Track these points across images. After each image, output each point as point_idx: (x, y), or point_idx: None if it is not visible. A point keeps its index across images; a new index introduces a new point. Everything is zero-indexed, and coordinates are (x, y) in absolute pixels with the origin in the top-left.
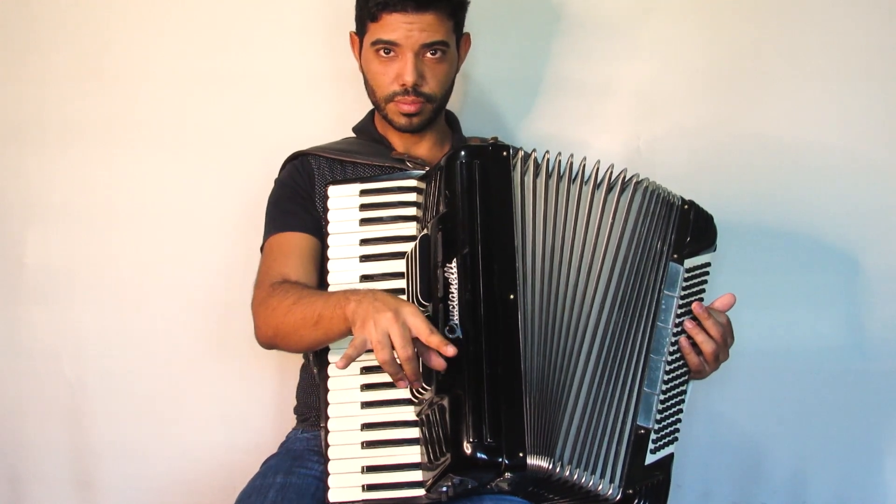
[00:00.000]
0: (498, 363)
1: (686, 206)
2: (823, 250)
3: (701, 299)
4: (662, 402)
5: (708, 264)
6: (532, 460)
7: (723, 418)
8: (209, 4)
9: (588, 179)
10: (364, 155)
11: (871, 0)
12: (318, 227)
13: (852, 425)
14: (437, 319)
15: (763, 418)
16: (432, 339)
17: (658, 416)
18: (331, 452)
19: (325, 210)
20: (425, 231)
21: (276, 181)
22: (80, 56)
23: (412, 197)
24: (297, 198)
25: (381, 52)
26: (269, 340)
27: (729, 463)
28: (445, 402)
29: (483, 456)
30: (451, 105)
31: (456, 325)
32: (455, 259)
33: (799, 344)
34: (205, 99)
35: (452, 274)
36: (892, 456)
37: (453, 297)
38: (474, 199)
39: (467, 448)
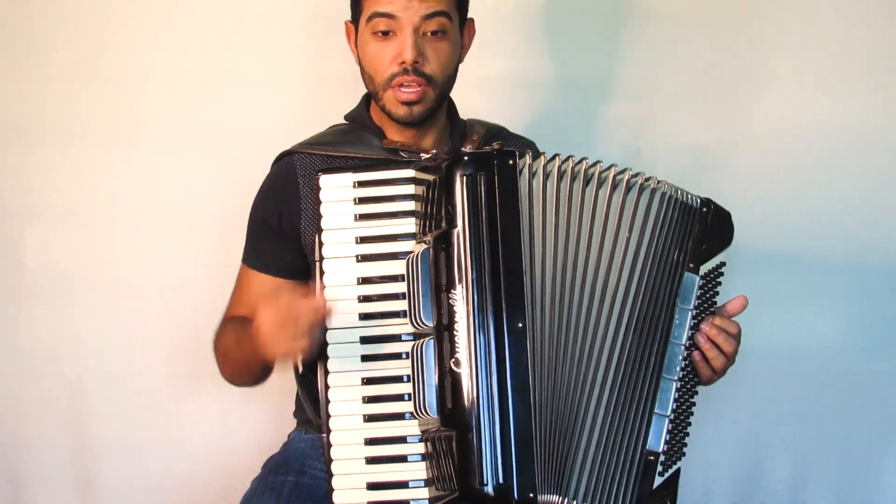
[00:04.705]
0: (507, 398)
1: (705, 209)
2: (823, 250)
3: (714, 302)
4: (672, 421)
5: (723, 264)
6: (543, 497)
7: (723, 418)
8: (209, 5)
9: (604, 181)
10: (354, 145)
11: (871, 0)
12: (287, 263)
13: (852, 425)
14: (442, 347)
15: (763, 418)
16: (305, 312)
17: (667, 437)
18: (334, 467)
19: (318, 203)
20: (426, 241)
21: (258, 192)
22: (80, 56)
23: (410, 189)
24: (267, 228)
25: (379, 33)
26: (243, 383)
27: (729, 463)
28: (453, 436)
29: (493, 495)
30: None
31: (462, 358)
32: (459, 285)
33: (799, 344)
34: (205, 99)
35: (457, 301)
36: (892, 456)
37: (458, 326)
38: (479, 219)
39: (477, 486)
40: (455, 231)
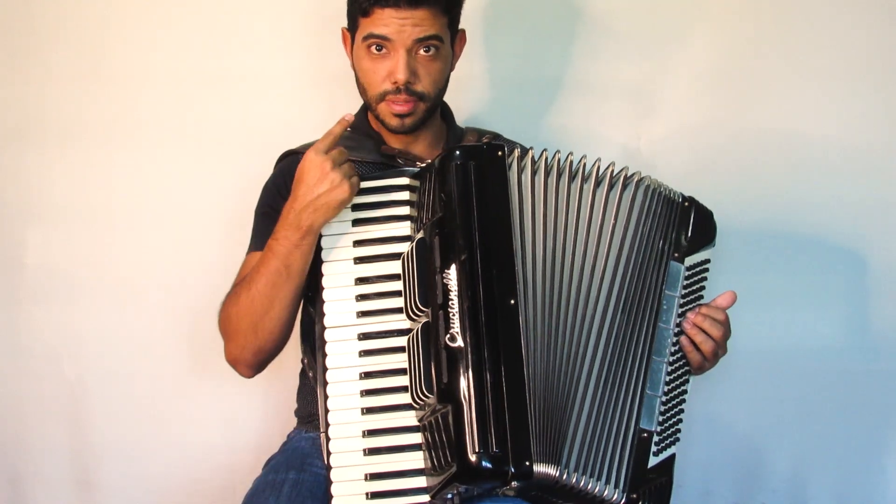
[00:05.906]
0: (500, 370)
1: (686, 204)
2: (823, 250)
3: (701, 297)
4: (664, 403)
5: (707, 261)
6: (539, 468)
7: (723, 418)
8: (209, 5)
9: (588, 177)
10: (354, 151)
11: (870, 0)
12: None
13: (852, 425)
14: (437, 326)
15: (763, 418)
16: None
17: (660, 419)
18: (333, 460)
19: None
20: (421, 234)
21: (263, 187)
22: (80, 56)
23: (405, 195)
24: (275, 214)
25: (373, 49)
26: (252, 351)
27: (729, 463)
28: (449, 411)
29: (489, 465)
30: (452, 106)
31: (457, 333)
32: (453, 265)
33: (799, 344)
34: (205, 99)
35: (451, 280)
36: (892, 456)
37: (453, 304)
38: (471, 202)
39: (473, 457)
40: (448, 216)
